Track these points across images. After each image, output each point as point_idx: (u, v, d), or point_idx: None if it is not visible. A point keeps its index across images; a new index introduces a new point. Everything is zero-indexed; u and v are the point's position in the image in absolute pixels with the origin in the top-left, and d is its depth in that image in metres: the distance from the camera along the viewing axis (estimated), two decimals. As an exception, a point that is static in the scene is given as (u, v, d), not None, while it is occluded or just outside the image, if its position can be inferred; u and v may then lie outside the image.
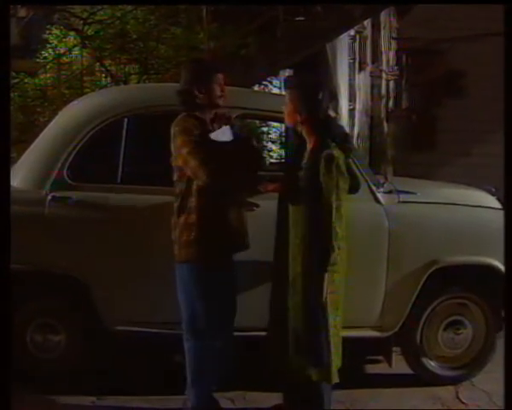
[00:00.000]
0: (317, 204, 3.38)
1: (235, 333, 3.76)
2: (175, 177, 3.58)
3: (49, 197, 4.01)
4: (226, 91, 3.62)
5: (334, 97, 11.48)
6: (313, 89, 3.55)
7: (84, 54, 10.25)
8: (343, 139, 3.57)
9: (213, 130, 3.60)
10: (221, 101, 3.61)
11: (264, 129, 11.23)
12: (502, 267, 3.96)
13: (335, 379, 3.52)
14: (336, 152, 3.44)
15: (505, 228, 3.19)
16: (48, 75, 10.37)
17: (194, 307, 3.57)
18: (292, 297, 3.50)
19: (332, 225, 3.36)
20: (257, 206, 3.74)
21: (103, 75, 10.16)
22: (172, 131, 3.52)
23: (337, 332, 3.51)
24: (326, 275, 3.38)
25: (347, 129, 11.03)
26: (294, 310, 3.49)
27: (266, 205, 3.68)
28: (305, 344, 3.49)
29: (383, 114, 10.73)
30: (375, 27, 11.05)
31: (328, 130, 3.50)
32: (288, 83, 3.75)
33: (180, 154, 3.46)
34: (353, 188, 4.01)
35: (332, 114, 3.63)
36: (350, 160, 3.96)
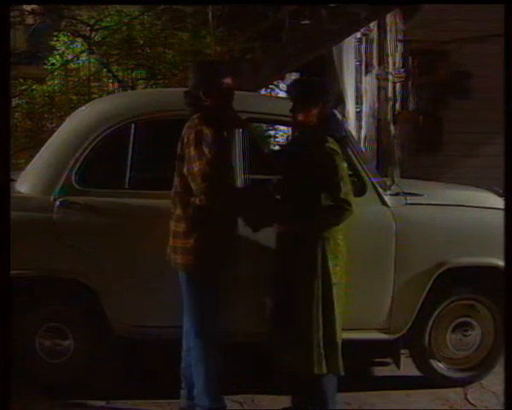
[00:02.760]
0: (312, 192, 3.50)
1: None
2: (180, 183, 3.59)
3: (58, 203, 4.03)
4: (234, 93, 3.63)
5: (341, 100, 11.49)
6: (327, 83, 3.69)
7: (92, 60, 10.30)
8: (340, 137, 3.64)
9: (224, 132, 3.61)
10: (229, 102, 3.61)
11: (272, 132, 11.25)
12: (509, 268, 3.95)
13: (342, 371, 3.57)
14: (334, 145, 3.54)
15: (505, 228, 3.19)
16: (55, 81, 10.43)
17: (206, 313, 3.56)
18: (295, 289, 3.54)
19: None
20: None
21: (110, 81, 10.20)
22: (187, 135, 3.50)
23: (338, 324, 3.56)
24: (329, 264, 3.48)
25: (354, 132, 11.05)
26: (297, 303, 3.53)
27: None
28: (310, 338, 3.51)
29: (390, 117, 10.72)
30: (381, 30, 11.04)
31: (329, 125, 3.59)
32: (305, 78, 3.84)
33: (191, 164, 3.45)
34: (360, 190, 4.06)
35: (339, 116, 3.69)
36: (355, 161, 4.04)
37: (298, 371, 3.61)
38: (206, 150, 3.41)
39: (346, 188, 3.52)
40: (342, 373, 3.58)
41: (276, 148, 10.13)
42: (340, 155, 3.54)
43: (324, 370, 3.52)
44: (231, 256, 3.61)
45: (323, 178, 3.49)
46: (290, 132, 5.21)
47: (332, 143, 3.55)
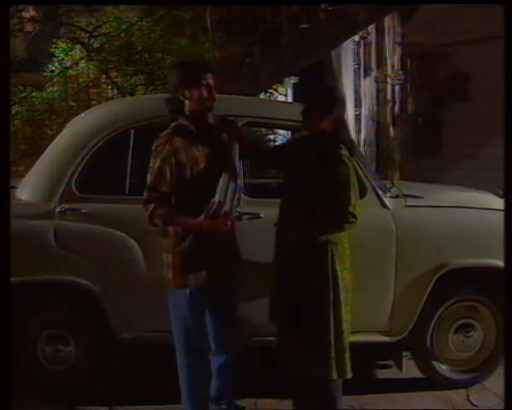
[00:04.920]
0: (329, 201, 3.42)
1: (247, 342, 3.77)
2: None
3: (58, 209, 4.04)
4: (215, 94, 3.43)
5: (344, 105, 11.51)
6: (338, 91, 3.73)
7: (91, 66, 10.32)
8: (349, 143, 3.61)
9: (208, 137, 3.49)
10: (210, 104, 3.43)
11: (271, 137, 11.26)
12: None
13: (350, 374, 3.54)
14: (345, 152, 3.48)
15: (505, 228, 3.19)
16: (55, 88, 10.45)
17: (189, 328, 3.52)
18: (305, 294, 3.51)
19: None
20: (240, 218, 3.80)
21: (109, 87, 10.22)
22: (154, 143, 3.41)
23: (347, 328, 3.54)
24: (337, 268, 3.45)
25: (354, 135, 11.06)
26: (308, 308, 3.51)
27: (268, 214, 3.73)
28: (319, 343, 3.50)
29: (389, 119, 10.74)
30: (380, 33, 11.06)
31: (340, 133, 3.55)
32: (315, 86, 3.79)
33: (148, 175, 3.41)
34: (360, 193, 4.04)
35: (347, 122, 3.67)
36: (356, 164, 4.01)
37: (309, 375, 3.58)
38: (156, 164, 3.36)
39: (355, 200, 3.45)
40: (350, 376, 3.55)
41: (283, 151, 10.13)
42: (352, 165, 3.46)
43: (335, 375, 3.51)
44: (210, 273, 3.46)
45: (334, 188, 3.41)
46: (295, 137, 5.13)
47: (344, 151, 3.46)
